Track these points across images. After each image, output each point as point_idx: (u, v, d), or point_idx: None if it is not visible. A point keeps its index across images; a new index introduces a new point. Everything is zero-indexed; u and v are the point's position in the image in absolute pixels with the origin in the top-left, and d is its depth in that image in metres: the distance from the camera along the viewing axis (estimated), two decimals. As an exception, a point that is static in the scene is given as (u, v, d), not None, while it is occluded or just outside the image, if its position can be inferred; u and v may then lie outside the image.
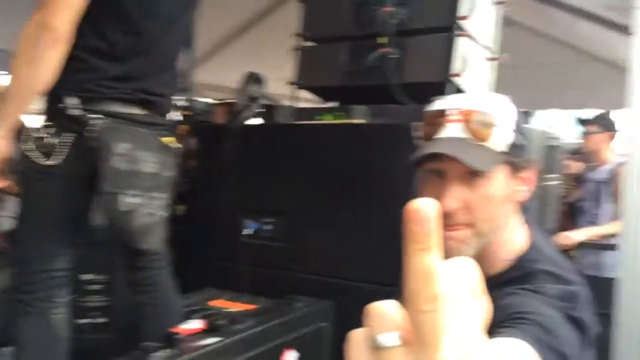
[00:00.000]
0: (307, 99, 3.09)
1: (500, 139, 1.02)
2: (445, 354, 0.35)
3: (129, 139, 1.54)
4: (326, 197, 2.29)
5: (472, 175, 1.01)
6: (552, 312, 0.92)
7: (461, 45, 2.28)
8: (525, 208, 1.12)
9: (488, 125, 1.01)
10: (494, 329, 0.98)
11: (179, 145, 1.80)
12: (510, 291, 0.98)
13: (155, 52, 1.65)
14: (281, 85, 2.64)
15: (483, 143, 1.01)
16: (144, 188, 1.58)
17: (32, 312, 1.54)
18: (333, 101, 2.60)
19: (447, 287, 0.36)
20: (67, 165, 1.50)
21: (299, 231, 2.35)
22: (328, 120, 2.36)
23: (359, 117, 2.32)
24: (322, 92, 2.70)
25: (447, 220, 0.99)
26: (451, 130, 1.02)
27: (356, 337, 0.39)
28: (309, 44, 2.59)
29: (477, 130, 1.01)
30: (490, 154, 1.01)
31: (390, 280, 2.04)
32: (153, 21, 1.62)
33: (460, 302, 0.37)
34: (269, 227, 2.39)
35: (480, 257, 1.03)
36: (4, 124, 1.44)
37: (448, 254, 1.00)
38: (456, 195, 1.00)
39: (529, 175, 1.08)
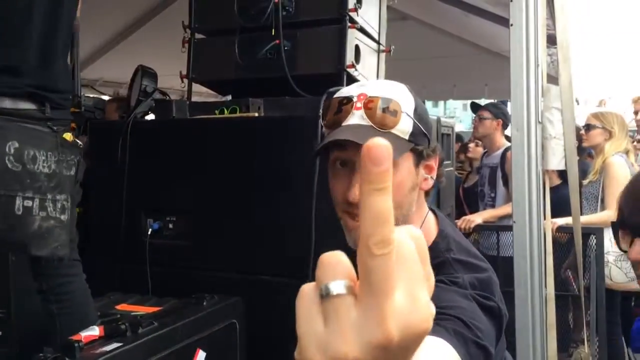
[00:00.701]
0: (205, 93, 3.03)
1: (405, 127, 1.01)
2: (395, 305, 0.33)
3: (18, 137, 1.43)
4: (226, 192, 2.26)
5: None
6: (469, 303, 0.93)
7: (352, 37, 2.33)
8: (426, 195, 1.13)
9: (393, 113, 0.99)
10: None
11: (80, 142, 1.69)
12: None
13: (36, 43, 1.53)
14: (177, 80, 2.57)
15: (389, 130, 0.99)
16: (38, 189, 1.48)
17: None
18: (228, 94, 2.56)
19: (400, 239, 0.35)
20: None
21: (202, 228, 2.30)
22: (224, 114, 2.33)
23: (254, 111, 2.31)
24: (217, 86, 2.66)
25: (356, 210, 0.97)
26: (356, 117, 0.99)
27: (306, 290, 0.37)
28: (200, 36, 2.54)
29: (383, 117, 0.98)
30: (396, 142, 0.98)
31: (296, 272, 2.08)
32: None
33: (410, 262, 0.35)
34: (171, 225, 2.32)
35: None
36: None
37: (354, 243, 1.02)
38: None
39: (433, 163, 1.09)
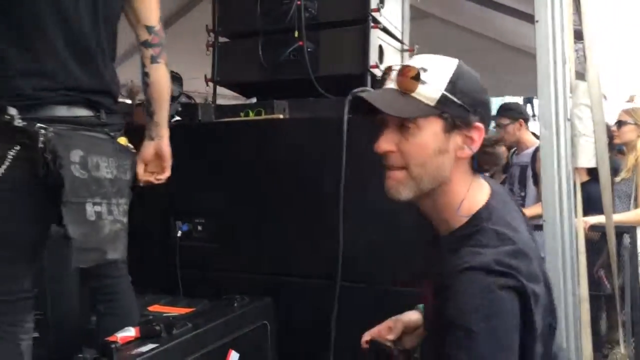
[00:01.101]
0: (229, 96, 3.05)
1: (430, 93, 1.09)
2: None
3: (82, 145, 1.46)
4: (254, 193, 2.27)
5: (403, 124, 1.10)
6: (479, 299, 0.98)
7: (376, 37, 2.32)
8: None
9: (418, 79, 1.09)
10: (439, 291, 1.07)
11: (132, 147, 1.71)
12: (456, 247, 1.07)
13: (84, 37, 1.54)
14: (202, 83, 2.59)
15: (410, 94, 1.10)
16: (104, 195, 1.51)
17: (2, 337, 1.45)
18: (253, 97, 2.57)
19: None
20: (11, 179, 1.41)
21: (230, 230, 2.31)
22: (249, 117, 2.34)
23: (279, 112, 2.31)
24: (241, 88, 2.67)
25: (385, 161, 1.13)
26: (390, 83, 1.13)
27: None
28: (223, 39, 2.55)
29: (408, 82, 1.10)
30: (416, 105, 1.09)
31: (325, 273, 2.09)
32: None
33: None
34: (201, 227, 2.34)
35: (436, 212, 1.17)
36: None
37: (388, 192, 1.14)
38: (390, 139, 1.12)
39: (474, 135, 1.13)
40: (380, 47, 2.36)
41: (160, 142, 1.78)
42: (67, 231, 1.43)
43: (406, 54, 2.61)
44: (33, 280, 1.55)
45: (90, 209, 1.49)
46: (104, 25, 1.59)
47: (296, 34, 2.29)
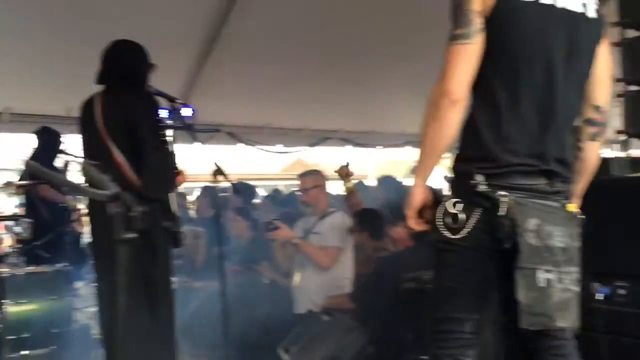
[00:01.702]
0: None
1: None
2: None
3: (537, 214, 1.54)
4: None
5: None
6: None
7: None
8: None
9: None
10: None
11: (580, 213, 1.70)
12: None
13: (556, 108, 1.60)
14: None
15: None
16: (555, 263, 1.56)
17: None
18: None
19: None
20: (471, 238, 1.56)
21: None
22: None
23: None
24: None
25: None
26: None
27: None
28: (634, 88, 2.38)
29: None
30: None
31: None
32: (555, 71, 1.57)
33: None
34: (623, 291, 2.17)
35: None
36: (418, 175, 1.63)
37: None
38: None
39: None
40: None
41: None
42: (517, 294, 1.49)
43: None
44: (475, 327, 1.64)
45: (541, 276, 1.52)
46: (577, 92, 1.64)
47: None
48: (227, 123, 6.09)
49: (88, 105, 2.58)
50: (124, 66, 2.59)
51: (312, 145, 7.26)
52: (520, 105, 1.56)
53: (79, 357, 3.79)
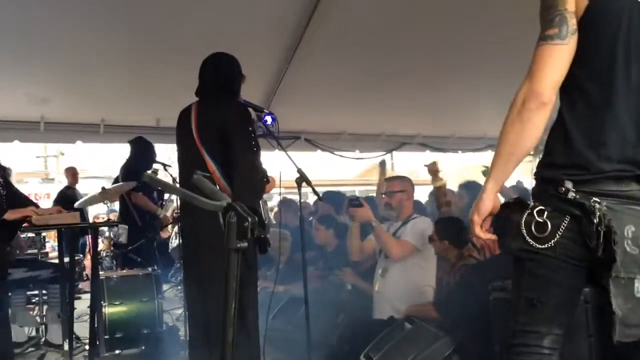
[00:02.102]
0: None
1: None
2: None
3: (633, 221, 1.45)
4: None
5: None
6: None
7: None
8: None
9: None
10: None
11: None
12: None
13: None
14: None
15: None
16: None
17: None
18: None
19: None
20: (559, 248, 1.49)
21: None
22: None
23: None
24: None
25: None
26: None
27: None
28: None
29: None
30: None
31: None
32: None
33: None
34: None
35: None
36: (491, 180, 1.56)
37: None
38: None
39: None
40: None
41: None
42: (612, 304, 1.41)
43: None
44: (555, 342, 1.57)
45: (638, 285, 1.44)
46: None
47: None
48: (306, 130, 6.20)
49: (185, 115, 2.69)
50: (221, 77, 2.70)
51: (389, 150, 7.23)
52: (615, 108, 1.48)
53: (167, 358, 3.95)
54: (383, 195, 3.69)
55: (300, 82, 4.97)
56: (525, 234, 1.52)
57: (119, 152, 6.33)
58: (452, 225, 3.19)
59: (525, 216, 1.54)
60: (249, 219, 1.06)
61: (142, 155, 5.19)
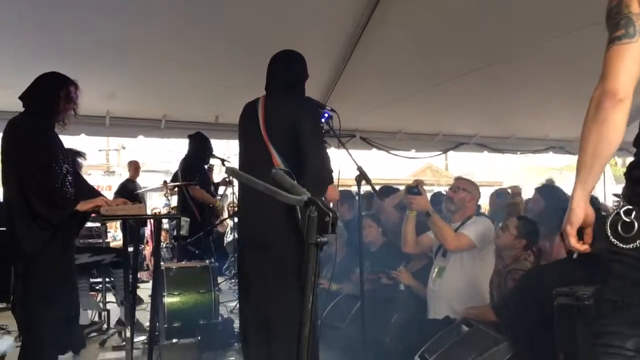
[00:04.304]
0: None
1: None
2: None
3: None
4: None
5: None
6: None
7: None
8: None
9: None
10: None
11: None
12: None
13: None
14: None
15: None
16: None
17: None
18: None
19: None
20: None
21: None
22: None
23: None
24: None
25: None
26: None
27: None
28: None
29: None
30: None
31: None
32: None
33: None
34: None
35: None
36: (578, 187, 1.51)
37: None
38: None
39: None
40: None
41: None
42: None
43: None
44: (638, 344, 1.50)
45: None
46: None
47: None
48: (361, 128, 6.19)
49: (251, 109, 2.71)
50: (291, 74, 2.72)
51: (445, 150, 7.12)
52: None
53: (221, 348, 4.04)
54: (447, 190, 3.65)
55: (356, 81, 4.97)
56: (610, 235, 1.48)
57: (176, 147, 6.50)
58: (533, 227, 3.13)
59: (612, 216, 1.49)
60: (330, 214, 1.06)
61: (200, 149, 5.33)
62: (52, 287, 2.61)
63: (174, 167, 5.71)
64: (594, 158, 1.49)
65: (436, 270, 3.42)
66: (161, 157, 16.00)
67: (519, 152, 7.22)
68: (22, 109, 2.76)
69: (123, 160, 14.74)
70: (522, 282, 2.79)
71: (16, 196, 2.58)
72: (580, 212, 1.51)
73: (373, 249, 4.22)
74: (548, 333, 2.37)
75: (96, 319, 4.67)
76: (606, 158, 1.50)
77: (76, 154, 4.12)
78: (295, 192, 1.14)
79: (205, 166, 5.70)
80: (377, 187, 3.88)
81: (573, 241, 1.53)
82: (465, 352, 2.57)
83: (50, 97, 2.73)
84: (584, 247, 1.54)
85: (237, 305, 4.56)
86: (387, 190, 4.92)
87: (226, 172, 1.40)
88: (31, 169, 2.58)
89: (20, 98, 2.76)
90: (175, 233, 5.07)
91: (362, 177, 2.86)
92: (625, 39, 1.43)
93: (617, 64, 1.43)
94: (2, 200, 3.00)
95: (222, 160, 5.57)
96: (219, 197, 6.09)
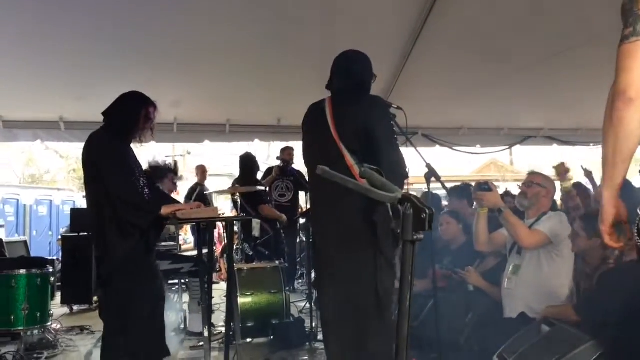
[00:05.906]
0: None
1: None
2: None
3: None
4: None
5: None
6: None
7: None
8: None
9: None
10: None
11: None
12: None
13: None
14: None
15: None
16: None
17: None
18: None
19: None
20: None
21: None
22: None
23: None
24: None
25: None
26: None
27: None
28: None
29: None
30: None
31: None
32: None
33: None
34: None
35: None
36: (605, 186, 1.52)
37: None
38: None
39: None
40: None
41: None
42: None
43: None
44: None
45: None
46: None
47: None
48: (423, 125, 6.11)
49: (317, 110, 2.72)
50: (358, 74, 2.72)
51: (511, 145, 6.92)
52: None
53: (294, 348, 4.09)
54: (521, 185, 3.54)
55: (417, 78, 4.92)
56: None
57: (238, 151, 6.64)
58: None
59: None
60: (427, 211, 1.06)
61: (249, 171, 5.50)
62: (137, 292, 2.72)
63: (237, 170, 5.85)
64: (614, 158, 1.49)
65: (511, 268, 3.32)
66: (224, 161, 16.40)
67: (591, 144, 6.91)
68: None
69: (189, 165, 15.17)
70: (607, 280, 2.68)
71: (104, 203, 2.70)
72: (610, 208, 1.52)
73: (454, 246, 4.14)
74: (635, 334, 2.26)
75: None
76: (628, 155, 1.49)
77: (169, 170, 4.31)
78: (388, 190, 1.14)
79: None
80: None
81: (607, 239, 1.54)
82: (548, 353, 2.48)
83: (132, 116, 2.85)
84: (619, 244, 1.54)
85: (307, 304, 4.62)
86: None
87: (317, 171, 1.40)
88: (117, 178, 2.70)
89: (103, 114, 2.89)
90: (243, 236, 5.18)
91: (431, 174, 2.82)
92: (634, 37, 1.43)
93: (626, 62, 1.44)
94: (85, 207, 3.15)
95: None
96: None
